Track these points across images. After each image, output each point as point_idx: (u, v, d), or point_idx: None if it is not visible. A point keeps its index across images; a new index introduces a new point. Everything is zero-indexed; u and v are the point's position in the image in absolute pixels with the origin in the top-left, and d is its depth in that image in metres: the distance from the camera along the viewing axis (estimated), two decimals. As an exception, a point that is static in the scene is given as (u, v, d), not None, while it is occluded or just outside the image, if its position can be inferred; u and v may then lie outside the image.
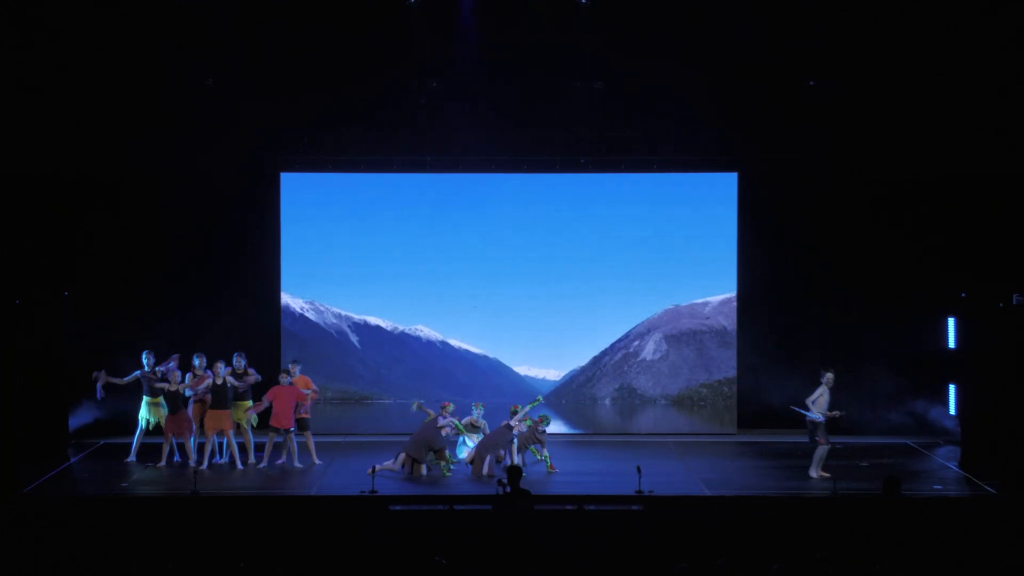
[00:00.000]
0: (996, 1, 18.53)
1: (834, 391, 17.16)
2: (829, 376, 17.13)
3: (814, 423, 17.04)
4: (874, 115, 19.61)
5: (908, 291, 19.95)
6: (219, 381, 17.63)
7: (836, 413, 17.08)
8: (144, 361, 18.11)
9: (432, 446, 17.28)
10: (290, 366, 18.19)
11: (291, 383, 17.85)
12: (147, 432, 18.19)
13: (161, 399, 18.07)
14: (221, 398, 17.66)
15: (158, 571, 12.61)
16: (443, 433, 17.38)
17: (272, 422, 17.81)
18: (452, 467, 17.38)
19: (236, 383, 17.80)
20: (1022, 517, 14.82)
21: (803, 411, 17.06)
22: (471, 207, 20.50)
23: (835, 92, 19.56)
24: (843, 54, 19.29)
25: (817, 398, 17.04)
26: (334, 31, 19.27)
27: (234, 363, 18.05)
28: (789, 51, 19.44)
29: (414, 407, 17.92)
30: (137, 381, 18.17)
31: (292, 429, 17.78)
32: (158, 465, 17.78)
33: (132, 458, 18.14)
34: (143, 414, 18.12)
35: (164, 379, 17.90)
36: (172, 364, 18.05)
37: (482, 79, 19.65)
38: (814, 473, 17.06)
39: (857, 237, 20.04)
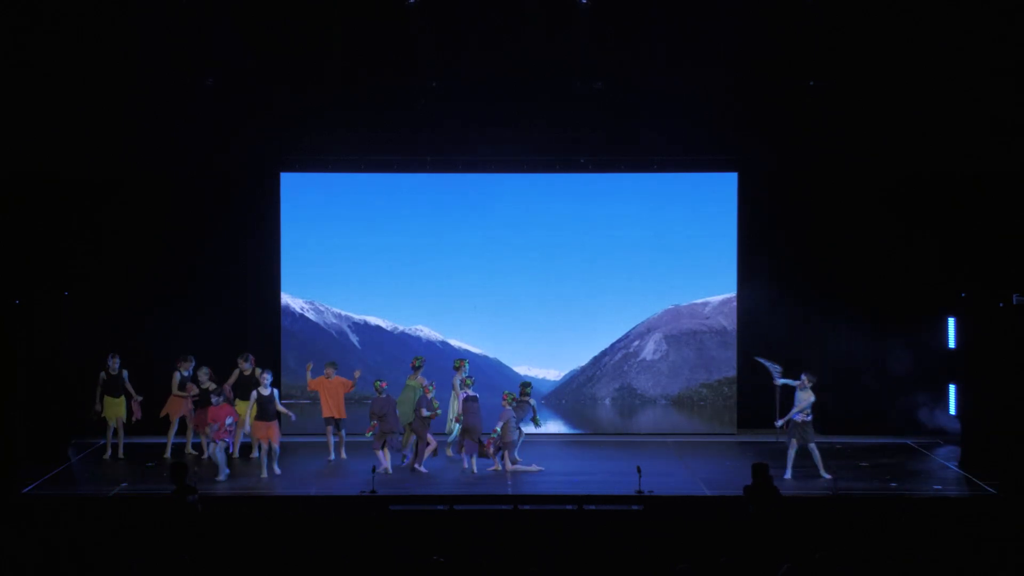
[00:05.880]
0: (996, 2, 18.54)
1: (820, 389, 17.23)
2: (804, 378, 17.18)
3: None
4: (874, 115, 19.61)
5: (908, 291, 19.95)
6: (265, 392, 17.37)
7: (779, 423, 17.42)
8: (109, 363, 18.27)
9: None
10: (327, 369, 18.48)
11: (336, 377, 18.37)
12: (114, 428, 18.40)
13: (123, 398, 18.26)
14: (266, 410, 17.39)
15: (158, 571, 12.61)
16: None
17: (325, 413, 18.23)
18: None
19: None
20: (1022, 517, 14.83)
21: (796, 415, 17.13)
22: (471, 207, 20.51)
23: (835, 92, 19.56)
24: (843, 54, 19.28)
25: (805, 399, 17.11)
26: (334, 31, 19.26)
27: (238, 364, 18.47)
28: (789, 51, 19.44)
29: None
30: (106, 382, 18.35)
31: (343, 419, 18.29)
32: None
33: (109, 455, 18.33)
34: (108, 413, 18.29)
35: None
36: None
37: (482, 79, 19.65)
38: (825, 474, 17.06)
39: (857, 237, 20.03)
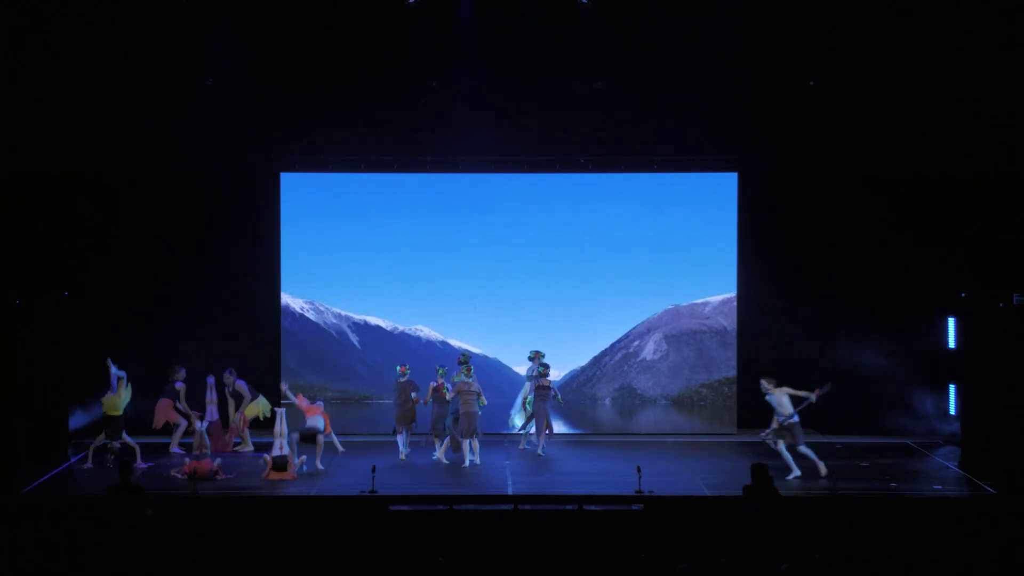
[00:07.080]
0: (996, 2, 18.55)
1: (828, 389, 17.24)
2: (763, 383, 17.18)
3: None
4: (874, 115, 19.61)
5: (908, 291, 19.95)
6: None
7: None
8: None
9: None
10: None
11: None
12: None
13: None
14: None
15: (158, 571, 12.62)
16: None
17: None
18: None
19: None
20: (1022, 517, 14.84)
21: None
22: (471, 207, 20.52)
23: (835, 92, 19.57)
24: (843, 54, 19.30)
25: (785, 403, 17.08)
26: (334, 31, 19.28)
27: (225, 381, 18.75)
28: (789, 51, 19.45)
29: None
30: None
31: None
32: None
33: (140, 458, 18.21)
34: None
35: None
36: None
37: (482, 79, 19.66)
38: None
39: (857, 237, 20.03)
